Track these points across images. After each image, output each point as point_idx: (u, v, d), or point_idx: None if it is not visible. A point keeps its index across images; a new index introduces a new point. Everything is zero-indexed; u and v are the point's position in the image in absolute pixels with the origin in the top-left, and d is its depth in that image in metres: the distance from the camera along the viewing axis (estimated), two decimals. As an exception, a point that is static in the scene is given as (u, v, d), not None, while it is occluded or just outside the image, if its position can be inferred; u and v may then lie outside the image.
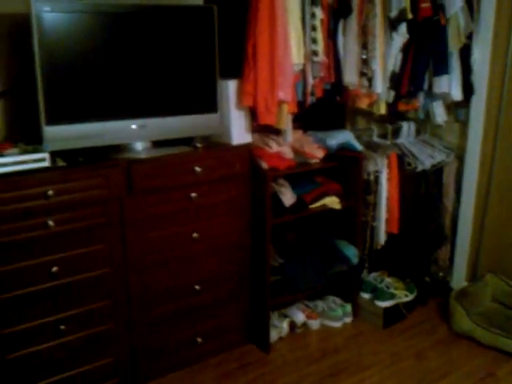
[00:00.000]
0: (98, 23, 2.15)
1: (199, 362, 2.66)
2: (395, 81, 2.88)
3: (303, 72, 2.59)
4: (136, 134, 2.33)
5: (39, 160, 2.06)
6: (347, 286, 3.10)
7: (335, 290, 3.13)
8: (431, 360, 2.73)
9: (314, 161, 2.75)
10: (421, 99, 3.09)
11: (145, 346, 2.47)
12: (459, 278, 3.35)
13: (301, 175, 2.82)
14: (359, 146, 2.89)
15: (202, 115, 2.49)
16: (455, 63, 3.00)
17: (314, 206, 2.78)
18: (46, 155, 2.07)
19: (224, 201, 2.56)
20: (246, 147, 2.59)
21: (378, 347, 2.84)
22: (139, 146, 2.40)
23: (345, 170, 2.91)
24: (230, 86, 2.52)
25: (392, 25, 2.77)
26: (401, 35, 2.78)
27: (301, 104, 2.64)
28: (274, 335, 2.83)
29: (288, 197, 2.70)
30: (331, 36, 2.66)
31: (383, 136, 3.21)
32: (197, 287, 2.55)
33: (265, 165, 2.57)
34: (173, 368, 2.58)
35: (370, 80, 2.77)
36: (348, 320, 3.05)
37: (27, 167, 2.03)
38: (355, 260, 2.95)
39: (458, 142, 3.31)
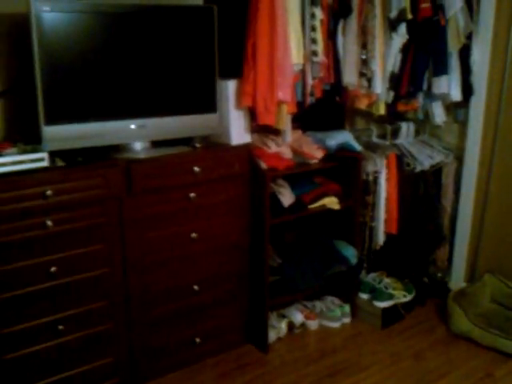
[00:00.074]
0: (97, 23, 2.15)
1: (198, 362, 2.66)
2: (394, 81, 2.88)
3: (303, 72, 2.59)
4: (135, 134, 2.33)
5: (38, 160, 2.05)
6: (346, 286, 3.10)
7: (334, 290, 3.13)
8: (430, 360, 2.73)
9: (313, 161, 2.75)
10: (420, 100, 3.08)
11: (144, 346, 2.47)
12: (458, 279, 3.35)
13: (300, 175, 2.82)
14: (358, 147, 2.89)
15: (201, 115, 2.49)
16: (455, 64, 3.00)
17: (312, 206, 2.78)
18: (44, 155, 2.07)
19: (223, 201, 2.56)
20: (245, 147, 2.59)
21: (377, 347, 2.84)
22: (138, 146, 2.40)
23: (344, 170, 2.91)
24: (230, 86, 2.52)
25: (392, 25, 2.76)
26: (400, 35, 2.77)
27: (300, 104, 2.64)
28: (272, 335, 2.83)
29: (287, 197, 2.70)
30: (331, 36, 2.66)
31: (382, 136, 3.21)
32: (196, 287, 2.55)
33: (264, 165, 2.57)
34: (172, 368, 2.58)
35: (370, 80, 2.77)
36: (346, 320, 3.06)
37: (26, 167, 2.03)
38: (354, 260, 2.95)
39: (457, 142, 3.31)
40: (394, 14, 2.74)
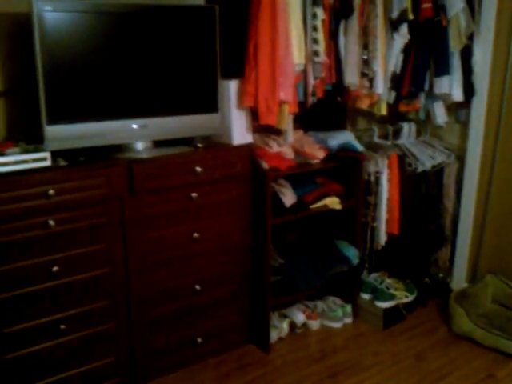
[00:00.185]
0: (99, 23, 2.15)
1: (199, 362, 2.66)
2: (396, 81, 2.89)
3: (304, 72, 2.59)
4: (137, 134, 2.33)
5: (40, 159, 2.06)
6: (347, 286, 3.10)
7: (335, 290, 3.13)
8: (431, 361, 2.73)
9: (314, 161, 2.75)
10: (421, 100, 3.09)
11: (145, 346, 2.47)
12: (459, 279, 3.34)
13: (301, 175, 2.82)
14: (360, 147, 2.89)
15: (203, 115, 2.49)
16: (456, 64, 3.00)
17: (314, 206, 2.78)
18: (47, 155, 2.07)
19: (225, 201, 2.56)
20: (246, 147, 2.59)
21: (378, 348, 2.83)
22: (140, 145, 2.40)
23: (345, 170, 2.91)
24: (231, 86, 2.52)
25: (393, 25, 2.77)
26: (402, 36, 2.78)
27: (302, 104, 2.63)
28: (274, 335, 2.82)
29: (288, 197, 2.70)
30: (332, 36, 2.66)
31: (384, 137, 3.21)
32: (197, 287, 2.55)
33: (265, 165, 2.57)
34: (173, 368, 2.58)
35: (371, 80, 2.77)
36: (348, 320, 3.05)
37: (28, 166, 2.03)
38: (355, 261, 2.95)
39: (459, 142, 3.31)
40: (395, 14, 2.74)
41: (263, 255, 2.67)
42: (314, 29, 2.56)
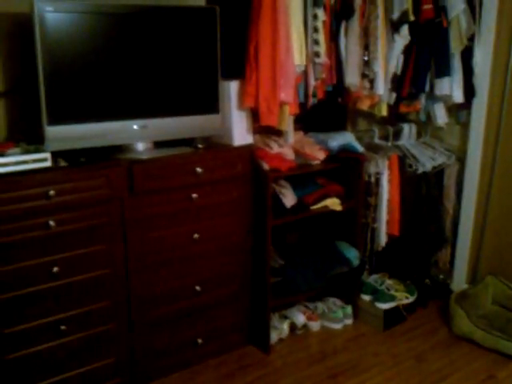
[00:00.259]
0: (100, 24, 2.15)
1: (200, 362, 2.66)
2: (397, 82, 2.89)
3: (305, 73, 2.59)
4: (138, 135, 2.33)
5: (41, 160, 2.06)
6: (348, 287, 3.10)
7: (336, 291, 3.13)
8: (431, 362, 2.73)
9: (315, 162, 2.75)
10: (422, 101, 3.09)
11: (145, 347, 2.46)
12: (459, 281, 3.34)
13: (302, 176, 2.82)
14: (360, 148, 2.89)
15: (203, 116, 2.49)
16: (457, 65, 3.00)
17: (314, 207, 2.78)
18: (47, 155, 2.07)
19: (225, 202, 2.56)
20: (247, 148, 2.59)
21: (379, 349, 2.83)
22: (141, 146, 2.40)
23: (346, 171, 2.91)
24: (232, 87, 2.52)
25: (394, 27, 2.77)
26: (403, 37, 2.78)
27: (302, 105, 2.64)
28: (274, 336, 2.82)
29: (289, 198, 2.70)
30: (333, 37, 2.66)
31: (384, 138, 3.21)
32: (197, 288, 2.55)
33: (266, 166, 2.57)
34: (173, 369, 2.58)
35: (372, 82, 2.78)
36: (348, 322, 3.05)
37: (29, 167, 2.03)
38: (356, 262, 2.95)
39: (459, 144, 3.31)
40: (396, 15, 2.75)
41: (263, 256, 2.67)
42: (315, 30, 2.56)
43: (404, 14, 2.73)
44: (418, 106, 3.09)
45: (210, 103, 2.50)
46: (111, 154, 2.30)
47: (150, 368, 2.51)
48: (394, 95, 2.91)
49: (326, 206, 2.81)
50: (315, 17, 2.55)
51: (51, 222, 2.07)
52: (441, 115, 3.15)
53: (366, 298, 3.09)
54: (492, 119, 3.09)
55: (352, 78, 2.73)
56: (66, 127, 2.13)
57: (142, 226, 2.32)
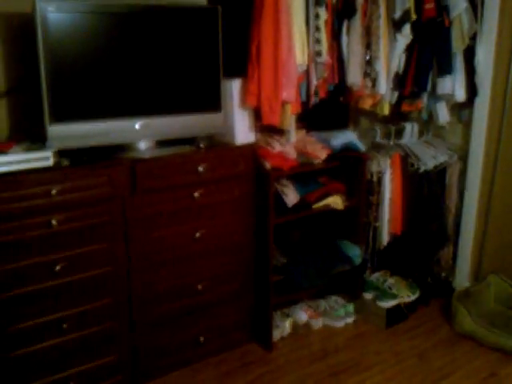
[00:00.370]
0: (102, 23, 2.17)
1: (201, 360, 2.67)
2: (399, 81, 2.89)
3: (307, 72, 2.59)
4: (140, 134, 2.34)
5: (43, 159, 2.06)
6: (350, 285, 3.11)
7: (338, 289, 3.14)
8: (433, 360, 2.73)
9: (317, 161, 2.76)
10: (424, 100, 3.08)
11: (147, 345, 2.47)
12: (462, 279, 3.35)
13: (304, 175, 2.83)
14: (362, 147, 2.89)
15: (205, 115, 2.50)
16: (459, 64, 2.99)
17: (316, 205, 2.79)
18: (49, 154, 2.08)
19: (227, 200, 2.57)
20: (249, 147, 2.60)
21: (381, 347, 2.84)
22: (143, 145, 2.41)
23: (348, 170, 2.92)
24: (234, 86, 2.53)
25: (396, 26, 2.77)
26: (405, 36, 2.78)
27: (304, 104, 2.64)
28: (276, 334, 2.83)
29: (291, 197, 2.71)
30: (335, 37, 2.66)
31: (386, 137, 3.20)
32: (199, 286, 2.56)
33: (268, 165, 2.58)
34: (175, 367, 2.59)
35: (374, 81, 2.78)
36: (350, 320, 3.06)
37: (31, 166, 2.04)
38: (358, 260, 2.96)
39: (462, 143, 3.31)
40: (398, 14, 2.75)
41: (266, 254, 2.67)
42: (317, 29, 2.56)
43: (406, 13, 2.73)
44: (420, 105, 3.09)
45: (212, 102, 2.50)
46: (113, 153, 2.31)
47: (152, 366, 2.52)
48: (396, 94, 2.91)
49: (328, 205, 2.82)
50: (317, 16, 2.56)
51: (53, 221, 2.08)
52: (443, 114, 3.15)
53: (368, 296, 3.09)
54: (494, 118, 3.09)
55: (354, 77, 2.74)
56: (69, 126, 2.14)
57: (143, 225, 2.33)
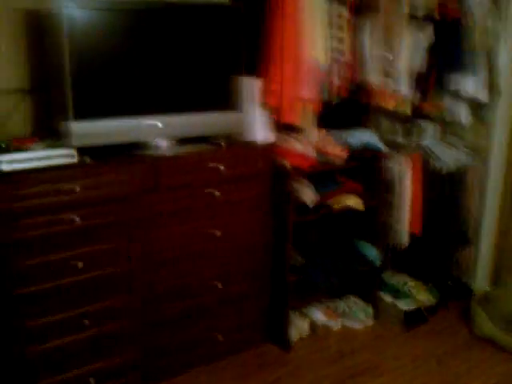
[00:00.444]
0: (124, 20, 2.16)
1: (218, 360, 2.65)
2: (420, 81, 2.86)
3: (328, 71, 2.57)
4: (161, 131, 2.32)
5: (66, 156, 2.06)
6: (369, 287, 3.08)
7: (357, 290, 3.12)
8: (452, 364, 2.70)
9: (336, 160, 2.73)
10: (445, 100, 3.05)
11: (163, 343, 2.47)
12: (482, 282, 3.31)
13: (323, 175, 2.81)
14: (382, 146, 2.87)
15: (225, 113, 2.48)
16: (481, 64, 2.96)
17: (335, 205, 2.76)
18: (73, 151, 2.08)
19: (246, 199, 2.55)
20: (268, 146, 2.58)
21: (399, 350, 2.81)
22: (163, 143, 2.40)
23: (367, 170, 2.90)
24: (254, 85, 2.51)
25: (418, 25, 2.75)
26: (427, 36, 2.76)
27: (325, 103, 2.62)
28: (294, 335, 2.82)
29: (310, 196, 2.69)
30: (357, 36, 2.65)
31: (406, 136, 3.18)
32: (217, 284, 2.55)
33: (287, 164, 2.56)
34: (191, 365, 2.58)
35: (395, 80, 2.76)
36: (369, 322, 3.03)
37: (54, 162, 2.04)
38: (377, 261, 2.93)
39: (483, 143, 3.26)
40: (420, 13, 2.72)
41: (284, 254, 2.66)
42: (339, 28, 2.55)
43: (429, 13, 2.71)
44: (442, 105, 3.06)
45: (232, 100, 2.49)
46: (133, 150, 2.30)
47: (168, 364, 2.51)
48: (417, 94, 2.89)
49: (346, 205, 2.79)
50: (339, 15, 2.54)
51: (75, 217, 2.08)
52: (464, 114, 3.11)
53: (388, 298, 3.06)
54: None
55: (375, 77, 2.72)
56: (91, 123, 2.13)
57: (163, 222, 2.33)
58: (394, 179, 2.95)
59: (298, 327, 2.86)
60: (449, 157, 3.13)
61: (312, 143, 2.73)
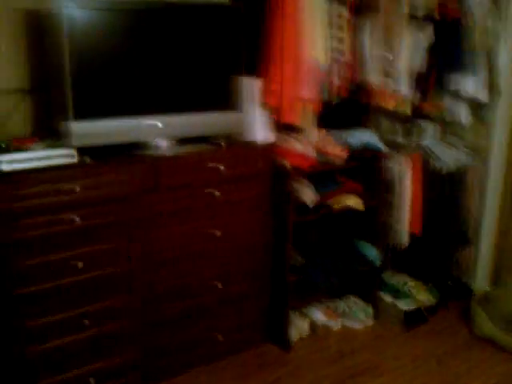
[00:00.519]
0: (124, 20, 2.16)
1: (217, 360, 2.65)
2: (420, 81, 2.86)
3: (328, 71, 2.57)
4: (161, 131, 2.32)
5: (67, 156, 2.06)
6: (368, 286, 3.08)
7: (356, 290, 3.12)
8: (452, 364, 2.70)
9: (336, 160, 2.73)
10: (445, 100, 3.05)
11: (162, 343, 2.46)
12: (482, 282, 3.30)
13: (323, 175, 2.81)
14: (382, 146, 2.87)
15: (225, 113, 2.48)
16: (481, 64, 2.96)
17: (335, 205, 2.76)
18: (73, 151, 2.08)
19: (246, 199, 2.55)
20: (268, 146, 2.58)
21: (399, 350, 2.81)
22: (163, 143, 2.40)
23: (367, 169, 2.90)
24: (254, 85, 2.51)
25: (418, 25, 2.75)
26: (427, 35, 2.76)
27: (325, 103, 2.63)
28: (294, 335, 2.82)
29: (310, 196, 2.69)
30: (356, 36, 2.65)
31: (406, 136, 3.18)
32: (216, 284, 2.55)
33: (287, 164, 2.56)
34: (191, 365, 2.58)
35: (395, 80, 2.76)
36: (369, 322, 3.03)
37: (54, 162, 2.04)
38: (377, 261, 2.93)
39: (483, 143, 3.26)
40: (420, 13, 2.72)
41: (284, 254, 2.66)
42: (339, 28, 2.55)
43: (429, 13, 2.71)
44: (442, 105, 3.06)
45: (232, 100, 2.49)
46: (133, 150, 2.30)
47: (167, 365, 2.51)
48: (417, 93, 2.89)
49: (346, 205, 2.79)
50: (339, 15, 2.54)
51: (75, 217, 2.08)
52: (464, 114, 3.11)
53: (388, 298, 3.07)
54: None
55: (375, 77, 2.72)
56: (91, 123, 2.13)
57: (162, 222, 2.33)
58: (393, 179, 2.95)
59: (298, 327, 2.86)
60: (449, 157, 3.13)
61: (312, 143, 2.73)
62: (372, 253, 2.95)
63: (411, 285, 3.11)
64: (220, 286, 2.56)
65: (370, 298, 3.08)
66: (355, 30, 2.64)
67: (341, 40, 2.55)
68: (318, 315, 2.95)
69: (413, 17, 2.74)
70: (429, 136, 3.22)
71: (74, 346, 2.22)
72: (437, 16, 2.72)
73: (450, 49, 2.89)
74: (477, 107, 3.17)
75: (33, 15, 2.26)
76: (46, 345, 2.16)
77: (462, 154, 3.19)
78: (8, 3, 2.22)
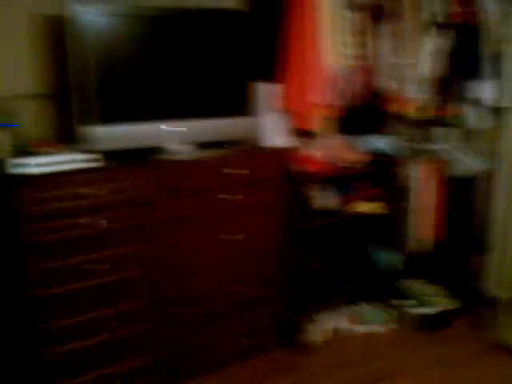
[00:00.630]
0: (143, 26, 2.21)
1: (234, 364, 2.66)
2: (440, 87, 2.85)
3: (347, 77, 2.58)
4: (181, 136, 2.36)
5: (92, 160, 2.10)
6: (388, 292, 3.07)
7: (376, 296, 3.10)
8: (473, 370, 2.66)
9: (351, 166, 2.73)
10: (461, 105, 3.03)
11: (182, 346, 2.48)
12: (504, 288, 3.25)
13: (340, 180, 2.81)
14: (397, 152, 2.86)
15: (242, 118, 2.51)
16: (493, 69, 2.94)
17: (350, 211, 2.76)
18: (99, 155, 2.12)
19: (262, 203, 2.57)
20: (283, 151, 2.59)
21: (418, 356, 2.78)
22: (183, 148, 2.42)
23: (382, 175, 2.89)
24: (271, 90, 2.53)
25: (438, 31, 2.74)
26: (446, 42, 2.74)
27: (340, 109, 2.63)
28: (313, 339, 2.81)
29: (326, 202, 2.69)
30: (376, 42, 2.65)
31: (425, 142, 3.16)
32: (232, 289, 2.56)
33: (301, 169, 2.57)
34: (209, 369, 2.60)
35: (414, 86, 2.75)
36: (389, 326, 3.02)
37: (80, 166, 2.08)
38: (394, 266, 2.92)
39: (503, 149, 3.23)
40: (440, 19, 2.72)
41: (299, 259, 2.66)
42: (358, 34, 2.55)
43: (448, 19, 2.70)
44: (458, 110, 3.04)
45: (248, 106, 2.51)
46: (152, 154, 2.33)
47: (181, 369, 2.52)
48: (433, 99, 2.87)
49: (361, 210, 2.80)
50: (359, 22, 2.55)
51: (102, 221, 2.12)
52: (480, 119, 3.08)
53: (408, 303, 3.04)
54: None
55: (389, 82, 2.72)
56: (116, 128, 2.19)
57: (181, 226, 2.35)
58: (411, 185, 2.94)
59: (316, 332, 2.85)
60: (466, 162, 3.10)
61: (329, 149, 2.74)
62: (389, 258, 2.94)
63: (431, 290, 3.08)
64: (235, 290, 2.57)
65: (390, 303, 3.07)
66: (375, 36, 2.65)
67: (360, 46, 2.55)
68: (339, 320, 2.95)
69: (433, 23, 2.73)
70: (448, 142, 3.20)
71: (90, 349, 2.25)
72: (456, 22, 2.71)
73: (469, 55, 2.87)
74: (496, 113, 3.14)
75: (54, 21, 2.31)
76: (66, 346, 2.19)
77: (479, 159, 3.16)
78: (29, 9, 2.27)
